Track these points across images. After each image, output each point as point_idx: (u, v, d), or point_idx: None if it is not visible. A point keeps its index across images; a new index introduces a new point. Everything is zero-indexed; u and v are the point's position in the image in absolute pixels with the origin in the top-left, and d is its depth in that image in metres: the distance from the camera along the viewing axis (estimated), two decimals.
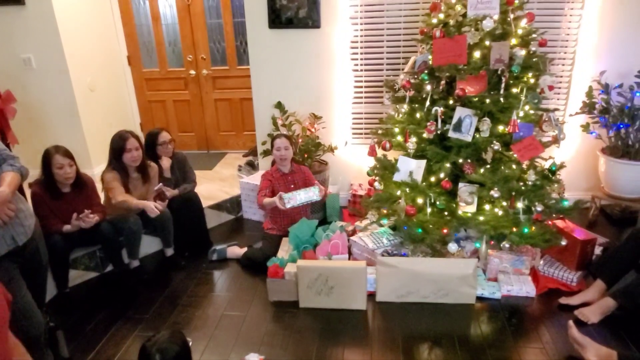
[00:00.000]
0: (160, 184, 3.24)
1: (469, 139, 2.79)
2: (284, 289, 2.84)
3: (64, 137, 4.25)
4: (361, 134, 4.04)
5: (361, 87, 3.90)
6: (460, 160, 2.83)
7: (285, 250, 3.09)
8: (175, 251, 3.38)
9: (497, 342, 2.47)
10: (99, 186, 3.17)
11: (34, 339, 1.91)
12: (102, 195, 3.18)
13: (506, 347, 2.43)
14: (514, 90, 2.75)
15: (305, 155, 3.78)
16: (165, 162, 3.38)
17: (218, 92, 5.02)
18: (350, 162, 4.09)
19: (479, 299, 2.82)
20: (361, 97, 3.94)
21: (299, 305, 2.80)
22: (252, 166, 4.45)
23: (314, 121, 3.85)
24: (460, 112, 2.80)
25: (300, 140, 3.82)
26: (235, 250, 3.38)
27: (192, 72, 4.94)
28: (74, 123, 4.24)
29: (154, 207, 2.98)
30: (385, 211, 3.25)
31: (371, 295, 2.85)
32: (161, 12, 4.89)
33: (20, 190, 2.84)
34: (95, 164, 4.36)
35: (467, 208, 2.89)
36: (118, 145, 3.06)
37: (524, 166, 2.84)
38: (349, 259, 3.07)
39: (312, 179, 3.46)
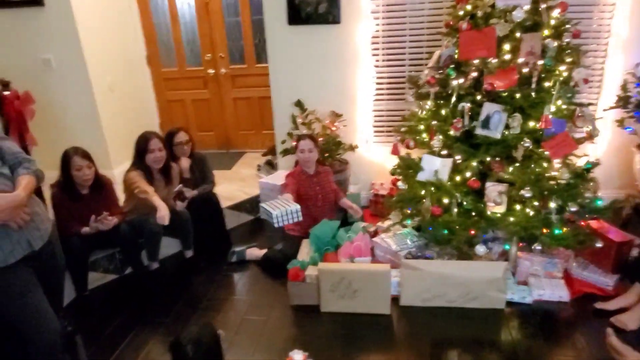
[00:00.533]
0: (180, 184, 3.20)
1: (497, 136, 2.66)
2: (305, 293, 2.76)
3: (83, 137, 4.24)
4: (383, 131, 3.93)
5: (383, 83, 3.79)
6: (489, 159, 2.70)
7: (305, 252, 3.01)
8: (195, 252, 3.33)
9: (529, 350, 2.35)
10: (118, 187, 3.14)
11: (50, 344, 1.87)
12: (122, 197, 3.15)
13: (538, 355, 2.31)
14: (546, 84, 2.61)
15: (326, 154, 3.69)
16: (184, 163, 3.34)
17: (237, 91, 4.96)
18: (372, 160, 3.98)
19: (509, 303, 2.70)
20: (383, 94, 3.83)
21: (321, 309, 2.72)
22: (271, 166, 4.38)
23: (334, 119, 3.76)
24: (488, 108, 2.67)
25: (320, 139, 3.73)
26: (255, 252, 3.31)
27: (211, 70, 4.90)
28: (94, 123, 4.22)
29: (164, 216, 2.80)
30: (408, 211, 3.14)
31: (395, 299, 2.75)
32: (179, 11, 4.86)
33: (40, 192, 2.83)
34: (115, 165, 4.35)
35: (495, 208, 2.76)
36: (141, 146, 3.03)
37: (557, 164, 2.69)
38: (372, 261, 2.97)
39: (332, 183, 3.40)
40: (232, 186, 4.21)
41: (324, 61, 3.76)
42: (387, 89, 3.80)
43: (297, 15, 3.66)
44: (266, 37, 3.78)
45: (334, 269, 2.63)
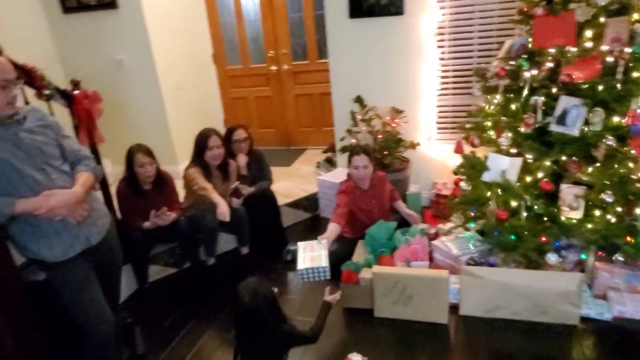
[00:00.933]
0: (237, 181, 3.22)
1: (575, 133, 2.39)
2: (358, 296, 2.66)
3: (151, 134, 4.41)
4: (447, 128, 3.71)
5: (448, 77, 3.58)
6: (564, 158, 2.44)
7: (360, 253, 2.90)
8: (250, 250, 3.33)
9: None
10: (180, 183, 3.21)
11: (104, 336, 1.93)
12: (182, 193, 3.23)
13: None
14: (635, 74, 2.30)
15: (385, 153, 3.55)
16: (242, 160, 3.35)
17: (299, 87, 4.94)
18: (434, 158, 3.78)
19: (584, 319, 2.43)
20: (448, 89, 3.62)
21: (374, 314, 2.61)
22: (331, 163, 4.31)
23: (395, 116, 3.60)
24: (565, 102, 2.41)
25: (380, 136, 3.59)
26: None
27: (273, 67, 4.91)
28: (161, 121, 4.39)
29: (225, 212, 2.83)
30: (472, 214, 2.93)
31: (454, 308, 2.57)
32: (244, 9, 4.91)
33: (106, 186, 2.96)
34: (180, 160, 4.49)
35: (571, 213, 2.49)
36: (200, 143, 3.08)
37: None
38: (430, 265, 2.80)
39: (387, 189, 3.22)
40: (290, 183, 4.19)
41: (386, 55, 3.62)
42: (453, 82, 3.59)
43: (358, 8, 3.54)
44: (327, 31, 3.70)
45: (388, 273, 2.51)
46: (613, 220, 2.41)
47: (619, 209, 2.40)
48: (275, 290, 1.90)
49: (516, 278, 2.43)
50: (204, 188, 2.94)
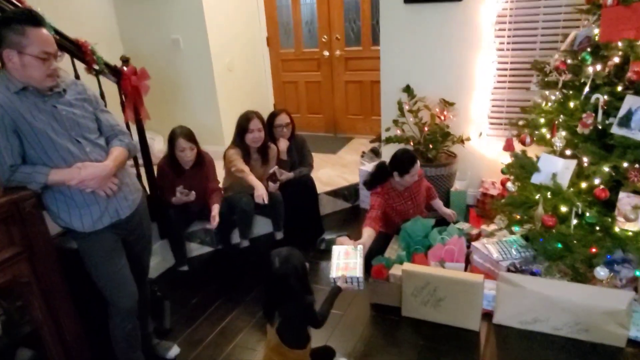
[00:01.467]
0: (276, 166, 3.20)
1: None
2: (386, 292, 2.57)
3: (201, 114, 4.51)
4: (500, 124, 3.49)
5: (506, 69, 3.34)
6: (625, 165, 2.20)
7: (394, 249, 2.80)
8: (285, 235, 3.32)
9: None
10: (220, 163, 3.24)
11: (127, 308, 1.97)
12: (222, 173, 3.25)
13: None
14: None
15: (430, 146, 3.39)
16: (282, 144, 3.32)
17: (349, 74, 4.84)
18: (484, 155, 3.57)
19: (632, 342, 2.21)
20: (505, 82, 3.38)
21: (401, 313, 2.51)
22: (376, 153, 4.19)
23: (444, 108, 3.43)
24: (631, 102, 2.17)
25: (426, 128, 3.44)
26: (345, 242, 3.16)
27: (326, 52, 4.83)
28: (212, 101, 4.46)
29: (262, 194, 2.85)
30: (518, 217, 2.74)
31: (487, 315, 2.43)
32: None
33: (149, 161, 3.04)
34: (227, 142, 4.48)
35: (627, 225, 2.26)
36: (242, 125, 3.09)
37: None
38: (466, 268, 2.65)
39: (424, 186, 3.06)
40: (332, 171, 4.13)
41: (440, 43, 3.44)
42: (511, 76, 3.35)
43: None
44: (380, 17, 3.57)
45: (419, 272, 2.40)
46: None
47: None
48: (307, 264, 1.92)
49: (559, 290, 2.25)
50: (241, 170, 2.96)
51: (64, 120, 1.79)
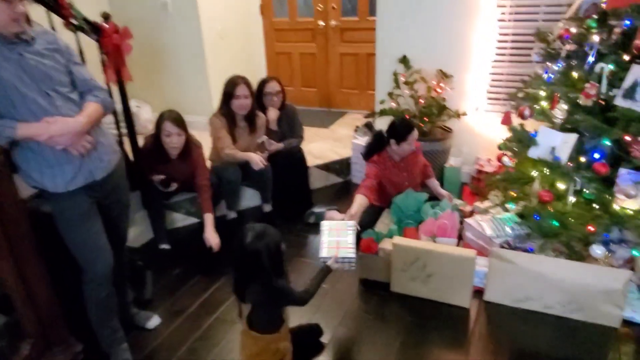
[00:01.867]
0: (265, 136, 3.08)
1: None
2: (375, 267, 2.49)
3: (190, 83, 4.35)
4: (499, 99, 3.37)
5: (507, 41, 3.21)
6: (628, 138, 2.10)
7: (385, 223, 2.71)
8: (273, 208, 3.22)
9: None
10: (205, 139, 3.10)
11: (101, 275, 1.87)
12: (209, 140, 3.13)
13: None
14: None
15: (426, 119, 3.28)
16: (272, 114, 3.20)
17: (345, 46, 4.67)
18: (481, 132, 3.46)
19: (626, 323, 2.15)
20: (504, 55, 3.26)
21: (390, 288, 2.44)
22: (370, 128, 4.06)
23: (441, 80, 3.31)
24: (637, 72, 2.05)
25: (422, 101, 3.32)
26: (335, 216, 3.07)
27: (321, 22, 4.66)
28: (201, 69, 4.29)
29: (258, 161, 2.83)
30: (513, 193, 2.66)
31: (478, 292, 2.36)
32: None
33: (131, 128, 2.90)
34: None
35: (627, 203, 2.18)
36: (228, 91, 2.95)
37: None
38: (459, 244, 2.57)
39: (420, 161, 2.96)
40: (324, 145, 4.01)
41: (438, 13, 3.29)
42: (511, 49, 3.22)
43: None
44: None
45: (409, 246, 2.31)
46: None
47: None
48: (283, 245, 1.77)
49: (553, 268, 2.17)
50: (231, 155, 2.91)
51: (33, 71, 1.65)
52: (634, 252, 2.26)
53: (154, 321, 2.26)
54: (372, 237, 2.52)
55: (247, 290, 1.74)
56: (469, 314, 2.26)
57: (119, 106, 2.87)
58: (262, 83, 3.21)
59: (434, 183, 3.00)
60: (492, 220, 2.67)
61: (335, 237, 2.12)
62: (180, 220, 3.17)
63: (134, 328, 2.22)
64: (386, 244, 2.46)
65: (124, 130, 2.88)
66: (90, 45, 2.59)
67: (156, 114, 2.82)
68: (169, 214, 3.09)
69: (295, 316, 2.28)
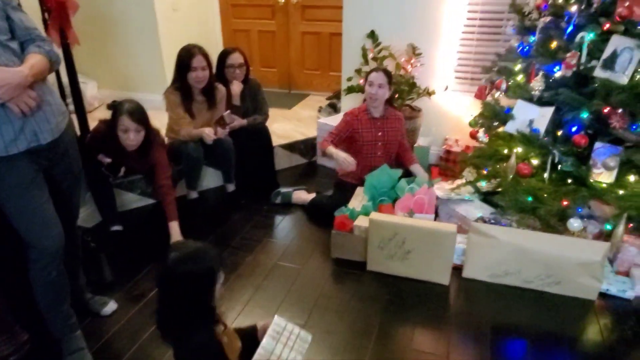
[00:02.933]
0: (228, 110, 2.87)
1: (624, 80, 2.03)
2: (350, 246, 2.37)
3: (142, 58, 4.04)
4: (467, 78, 3.33)
5: (475, 19, 3.17)
6: (606, 110, 2.09)
7: (359, 200, 2.59)
8: (237, 188, 3.02)
9: (622, 354, 1.82)
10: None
11: (49, 253, 1.62)
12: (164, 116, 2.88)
13: None
14: None
15: (396, 96, 3.19)
16: (235, 87, 2.99)
17: (306, 24, 4.49)
18: (449, 112, 3.42)
19: (602, 295, 2.15)
20: (473, 33, 3.21)
21: (367, 267, 2.32)
22: (334, 108, 3.95)
23: (411, 56, 3.22)
24: (616, 42, 2.04)
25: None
26: (302, 196, 2.95)
27: None
28: (153, 43, 3.98)
29: (208, 132, 2.65)
30: (484, 172, 2.62)
31: (455, 269, 2.29)
32: None
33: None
34: None
35: (602, 176, 2.18)
36: (183, 62, 2.70)
37: None
38: (435, 221, 2.49)
39: (400, 134, 2.87)
40: (287, 125, 3.84)
41: None
42: (480, 26, 3.18)
43: None
44: None
45: (387, 222, 2.20)
46: None
47: None
48: (221, 277, 1.31)
49: (532, 241, 2.13)
50: (187, 134, 2.72)
51: None
52: (607, 226, 2.27)
53: (110, 307, 2.03)
54: (345, 214, 2.39)
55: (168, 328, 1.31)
56: (448, 291, 2.19)
57: (64, 79, 2.58)
58: (224, 54, 2.99)
59: (417, 168, 2.87)
60: (465, 201, 2.62)
61: (280, 349, 1.42)
62: (135, 201, 2.90)
63: (88, 315, 1.98)
64: (361, 221, 2.34)
65: (71, 107, 2.56)
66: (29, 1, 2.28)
67: (103, 90, 2.53)
68: (121, 194, 2.81)
69: (266, 300, 2.13)
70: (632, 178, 2.16)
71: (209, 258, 1.28)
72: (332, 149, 2.66)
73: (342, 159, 2.59)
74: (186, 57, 2.68)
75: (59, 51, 1.81)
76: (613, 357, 1.82)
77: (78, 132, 2.55)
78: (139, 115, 2.32)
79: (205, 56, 2.73)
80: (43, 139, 1.59)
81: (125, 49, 4.07)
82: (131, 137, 2.32)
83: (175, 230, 2.35)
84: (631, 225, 2.20)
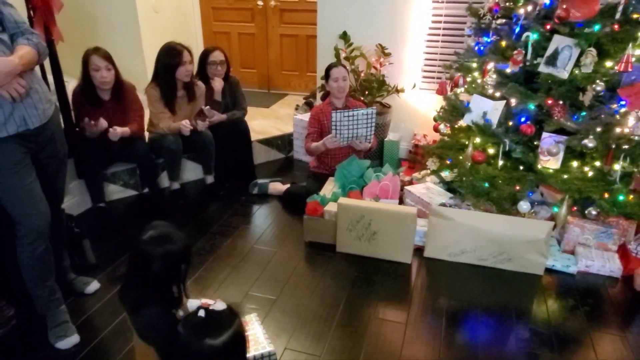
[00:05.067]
0: (207, 106, 3.03)
1: (565, 75, 2.26)
2: (321, 229, 2.54)
3: (124, 58, 4.08)
4: (433, 77, 3.56)
5: (440, 21, 3.39)
6: (550, 102, 2.31)
7: (329, 188, 2.77)
8: (216, 180, 3.18)
9: (566, 323, 2.03)
10: (143, 97, 3.00)
11: (36, 229, 1.75)
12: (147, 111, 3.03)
13: (576, 330, 1.99)
14: (635, 16, 2.16)
15: (366, 92, 3.39)
16: (217, 84, 3.15)
17: (285, 27, 4.69)
18: (417, 108, 3.63)
19: (549, 271, 2.36)
20: (438, 35, 3.44)
21: (336, 249, 2.50)
22: (310, 106, 4.13)
23: (380, 56, 3.43)
24: (558, 41, 2.27)
25: (362, 74, 3.42)
26: (278, 187, 3.12)
27: (260, 2, 4.64)
28: (135, 44, 4.12)
29: (185, 124, 2.82)
30: (448, 162, 2.82)
31: (418, 250, 2.48)
32: None
33: (64, 92, 2.74)
34: None
35: (548, 163, 2.40)
36: (172, 59, 2.85)
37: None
38: None
39: None
40: (265, 122, 4.02)
41: None
42: (445, 28, 3.40)
43: None
44: None
45: (354, 205, 2.39)
46: (590, 174, 2.34)
47: (598, 163, 2.32)
48: (184, 266, 1.36)
49: (486, 222, 2.34)
50: (167, 129, 2.88)
51: None
52: (555, 209, 2.49)
53: (93, 286, 2.16)
54: (317, 201, 2.57)
55: (128, 294, 1.40)
56: (410, 269, 2.38)
57: (49, 77, 2.72)
58: (206, 53, 3.16)
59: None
60: (429, 190, 2.82)
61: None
62: (117, 192, 3.04)
63: (72, 294, 2.11)
64: (331, 207, 2.52)
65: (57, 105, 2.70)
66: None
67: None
68: (105, 186, 2.94)
69: (242, 278, 2.29)
70: (574, 164, 2.39)
71: (179, 242, 1.34)
72: (314, 144, 2.84)
73: (325, 142, 2.75)
74: (174, 54, 2.85)
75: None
76: (556, 326, 2.02)
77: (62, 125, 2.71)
78: (106, 53, 2.66)
79: (189, 51, 2.90)
80: (31, 123, 1.73)
81: (110, 48, 4.16)
82: (104, 74, 2.61)
83: (122, 130, 2.65)
84: (575, 208, 2.42)
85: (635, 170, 2.21)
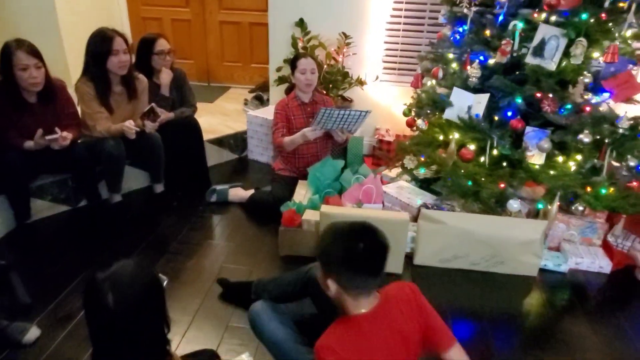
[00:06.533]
0: (153, 104, 2.60)
1: (552, 66, 2.16)
2: (299, 242, 2.27)
3: (38, 40, 3.50)
4: (394, 69, 3.38)
5: (401, 9, 3.21)
6: (538, 95, 2.21)
7: (302, 194, 2.50)
8: (166, 188, 2.78)
9: (565, 324, 1.96)
10: (74, 94, 2.52)
11: None
12: (79, 109, 2.55)
13: (575, 330, 1.92)
14: (620, 4, 2.10)
15: (330, 86, 3.14)
16: (165, 76, 2.73)
17: (225, 13, 4.26)
18: (379, 102, 3.44)
19: (541, 271, 2.29)
20: (399, 24, 3.26)
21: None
22: (261, 101, 3.80)
23: (342, 45, 3.18)
24: (544, 31, 2.17)
25: (325, 66, 3.17)
26: (239, 193, 2.79)
27: None
28: (52, 31, 3.53)
29: (129, 125, 2.38)
30: (422, 159, 2.66)
31: (407, 257, 2.29)
32: None
33: None
34: (75, 75, 3.65)
35: (534, 159, 2.31)
36: (101, 48, 2.38)
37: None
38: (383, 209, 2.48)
39: None
40: (213, 119, 3.63)
41: None
42: (405, 17, 3.23)
43: None
44: None
45: (338, 214, 2.14)
46: (573, 168, 2.28)
47: (579, 157, 2.27)
48: (165, 281, 1.18)
49: (478, 224, 2.20)
50: (105, 130, 2.43)
51: None
52: (539, 205, 2.41)
53: (33, 333, 1.72)
54: (293, 209, 2.29)
55: None
56: (401, 279, 2.18)
57: None
58: (149, 42, 2.71)
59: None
60: (404, 189, 2.65)
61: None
62: (46, 209, 2.54)
63: (6, 346, 1.67)
64: (310, 215, 2.26)
65: None
66: None
67: None
68: (30, 201, 2.44)
69: (217, 308, 1.97)
70: (560, 159, 2.32)
71: (145, 271, 1.05)
72: (287, 139, 2.57)
73: (305, 132, 2.49)
74: (103, 41, 2.38)
75: None
76: (554, 327, 1.93)
77: None
78: (33, 47, 2.19)
79: (124, 39, 2.45)
80: None
81: (19, 29, 3.52)
82: (34, 74, 2.16)
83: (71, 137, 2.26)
84: (559, 203, 2.36)
85: (624, 164, 2.18)
